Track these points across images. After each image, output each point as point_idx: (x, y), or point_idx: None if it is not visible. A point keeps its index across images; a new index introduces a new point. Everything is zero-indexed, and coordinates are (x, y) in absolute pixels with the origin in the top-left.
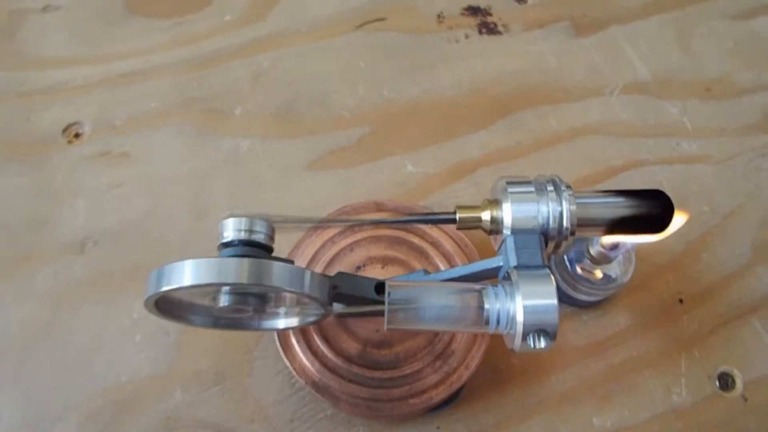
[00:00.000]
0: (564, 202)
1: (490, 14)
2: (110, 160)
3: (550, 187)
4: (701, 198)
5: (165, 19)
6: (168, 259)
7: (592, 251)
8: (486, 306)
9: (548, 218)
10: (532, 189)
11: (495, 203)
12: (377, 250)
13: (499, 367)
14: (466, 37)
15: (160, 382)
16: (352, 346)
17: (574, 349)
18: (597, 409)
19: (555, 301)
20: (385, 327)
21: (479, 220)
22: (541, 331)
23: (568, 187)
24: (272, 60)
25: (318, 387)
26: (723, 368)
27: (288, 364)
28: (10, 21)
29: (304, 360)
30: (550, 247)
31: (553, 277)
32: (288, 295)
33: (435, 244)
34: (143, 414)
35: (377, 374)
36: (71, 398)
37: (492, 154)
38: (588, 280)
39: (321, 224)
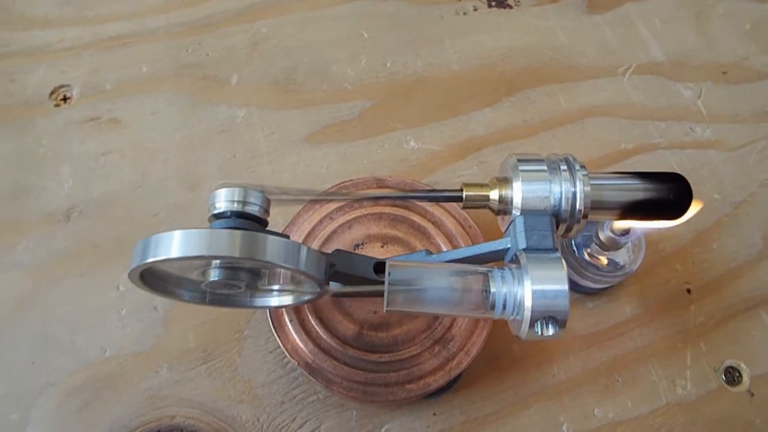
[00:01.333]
0: (578, 183)
1: None
2: (99, 126)
3: (564, 167)
4: (712, 185)
5: None
6: (156, 231)
7: (602, 236)
8: (492, 289)
9: (560, 199)
10: (545, 167)
11: (504, 182)
12: (377, 228)
13: (499, 353)
14: (475, 9)
15: (145, 359)
16: (348, 328)
17: (578, 337)
18: (599, 399)
19: (566, 287)
20: (384, 309)
21: (487, 198)
22: (550, 318)
23: (582, 167)
24: (271, 27)
25: (311, 369)
26: (729, 362)
27: (280, 344)
28: None
29: (297, 340)
30: (560, 230)
31: (564, 262)
32: (282, 271)
33: (437, 224)
34: (127, 391)
35: (373, 357)
36: (52, 373)
37: (498, 132)
38: (595, 267)
39: (319, 198)
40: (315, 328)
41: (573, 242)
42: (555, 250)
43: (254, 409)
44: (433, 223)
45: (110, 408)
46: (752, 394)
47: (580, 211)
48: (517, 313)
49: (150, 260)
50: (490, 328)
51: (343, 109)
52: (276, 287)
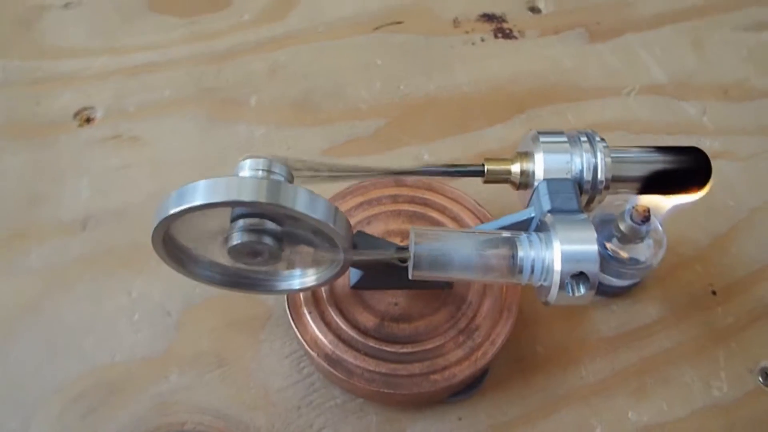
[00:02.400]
0: (599, 154)
1: (506, 21)
2: (119, 143)
3: (584, 139)
4: (725, 192)
5: (185, 17)
6: None
7: (623, 227)
8: (519, 253)
9: (582, 170)
10: (566, 139)
11: (525, 155)
12: (395, 225)
13: (522, 355)
14: (482, 40)
15: (156, 364)
16: (368, 319)
17: (604, 339)
18: (632, 402)
19: (595, 247)
20: (410, 275)
21: (509, 172)
22: (580, 277)
23: (602, 140)
24: (289, 55)
25: (331, 360)
26: (765, 362)
27: (299, 335)
28: (29, 14)
29: (317, 331)
30: (583, 202)
31: (591, 223)
32: (306, 239)
33: (456, 219)
34: (135, 397)
35: (395, 348)
36: (58, 378)
37: (509, 147)
38: (617, 260)
39: (343, 174)
40: (335, 319)
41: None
42: (581, 211)
43: (269, 415)
44: (452, 218)
45: (116, 414)
46: None
47: (601, 181)
48: (545, 279)
49: (173, 211)
50: (516, 317)
51: (358, 126)
52: (297, 261)
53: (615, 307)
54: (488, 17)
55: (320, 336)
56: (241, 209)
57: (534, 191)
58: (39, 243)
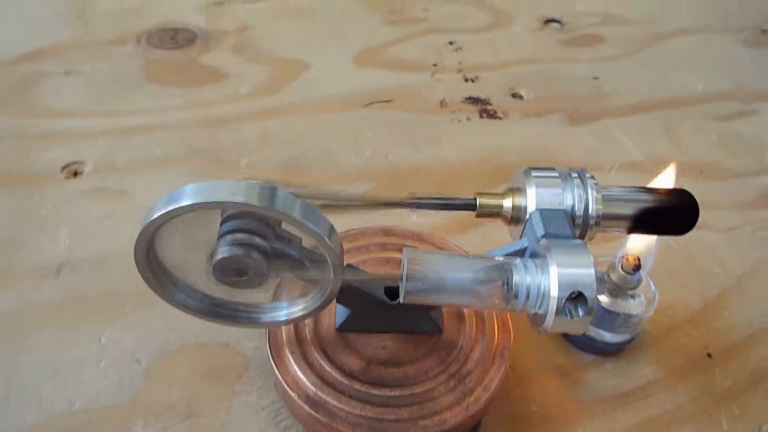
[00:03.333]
0: (590, 189)
1: (490, 104)
2: (105, 195)
3: (575, 175)
4: (710, 260)
5: (183, 88)
6: (150, 290)
7: (614, 277)
8: (515, 279)
9: (574, 204)
10: (557, 174)
11: (517, 190)
12: (384, 271)
13: (517, 415)
14: (468, 119)
15: (119, 413)
16: (354, 362)
17: (600, 399)
18: None
19: (592, 270)
20: (401, 298)
21: (500, 206)
22: (578, 299)
23: (593, 177)
24: (281, 125)
25: (312, 402)
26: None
27: (279, 376)
28: (28, 79)
29: (298, 372)
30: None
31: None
32: (295, 259)
33: None
34: None
35: (383, 391)
36: (8, 426)
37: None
38: (609, 313)
39: (340, 204)
40: (318, 361)
41: None
42: (575, 237)
43: None
44: None
45: None
46: None
47: (593, 216)
48: (540, 305)
49: (158, 214)
50: (508, 363)
51: (347, 188)
52: (284, 289)
53: (609, 366)
54: (473, 100)
55: (302, 377)
56: (229, 224)
57: (527, 221)
58: (8, 286)
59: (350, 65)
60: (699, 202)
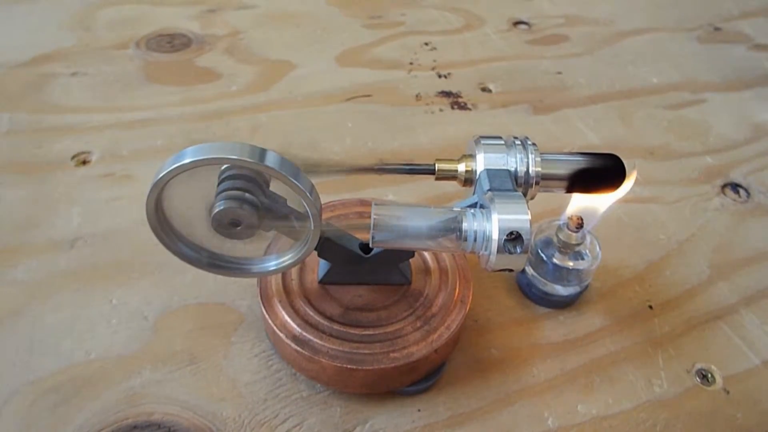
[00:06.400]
0: (530, 154)
1: (461, 97)
2: (113, 180)
3: (518, 142)
4: (656, 229)
5: (180, 86)
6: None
7: (561, 235)
8: (464, 225)
9: (516, 166)
10: (503, 142)
11: (470, 156)
12: (361, 236)
13: (479, 357)
14: (441, 110)
15: (130, 361)
16: (334, 308)
17: (553, 344)
18: (581, 397)
19: (527, 215)
20: (371, 243)
21: (455, 170)
22: (516, 240)
23: (534, 144)
24: (270, 118)
25: (298, 341)
26: (700, 365)
27: (269, 319)
28: (39, 80)
29: (286, 316)
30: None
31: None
32: (281, 211)
33: None
34: (106, 390)
35: (358, 331)
36: (31, 374)
37: (465, 190)
38: (560, 268)
39: (320, 169)
40: (303, 307)
41: (540, 252)
42: (515, 190)
43: (236, 406)
44: None
45: (86, 405)
46: (728, 392)
47: (532, 176)
48: (486, 247)
49: (164, 173)
50: (468, 308)
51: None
52: (273, 243)
53: (562, 317)
54: (446, 94)
55: (289, 320)
56: (225, 184)
57: (477, 180)
58: (27, 258)
59: (333, 64)
60: (648, 180)
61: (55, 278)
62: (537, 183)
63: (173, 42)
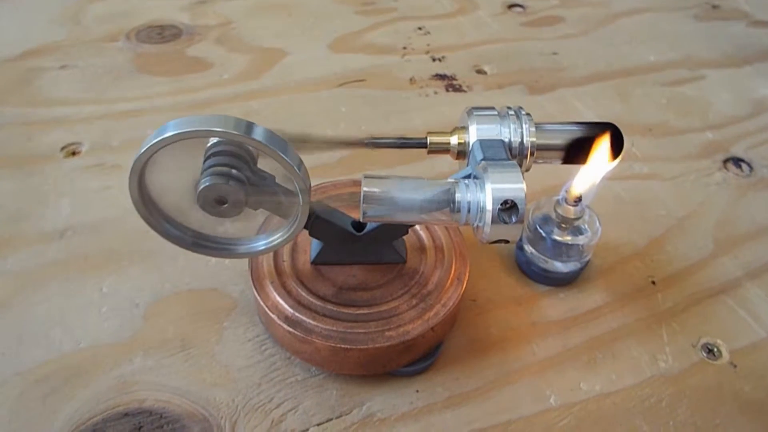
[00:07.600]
0: (524, 124)
1: (456, 79)
2: (102, 170)
3: (512, 112)
4: (657, 205)
5: (171, 76)
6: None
7: (560, 210)
8: (457, 197)
9: (510, 136)
10: (496, 112)
11: (462, 128)
12: (354, 216)
13: (478, 337)
14: (435, 93)
15: (121, 348)
16: (327, 288)
17: (554, 322)
18: (583, 374)
19: (522, 184)
20: (361, 217)
21: (448, 143)
22: (511, 210)
23: (528, 114)
24: (262, 104)
25: (290, 321)
26: (705, 339)
27: (261, 302)
28: (29, 74)
29: (278, 297)
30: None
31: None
32: (268, 187)
33: None
34: (97, 378)
35: (352, 310)
36: (21, 364)
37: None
38: (560, 244)
39: (309, 144)
40: (295, 288)
41: (539, 228)
42: (509, 159)
43: (230, 391)
44: None
45: (77, 393)
46: (735, 366)
47: (527, 147)
48: (481, 219)
49: (147, 146)
50: (465, 285)
51: (324, 156)
52: (260, 216)
53: (562, 295)
54: (440, 76)
55: (281, 301)
56: (210, 161)
57: (470, 151)
58: (17, 250)
59: (326, 51)
60: (647, 157)
61: (45, 268)
62: (532, 154)
63: (163, 33)
